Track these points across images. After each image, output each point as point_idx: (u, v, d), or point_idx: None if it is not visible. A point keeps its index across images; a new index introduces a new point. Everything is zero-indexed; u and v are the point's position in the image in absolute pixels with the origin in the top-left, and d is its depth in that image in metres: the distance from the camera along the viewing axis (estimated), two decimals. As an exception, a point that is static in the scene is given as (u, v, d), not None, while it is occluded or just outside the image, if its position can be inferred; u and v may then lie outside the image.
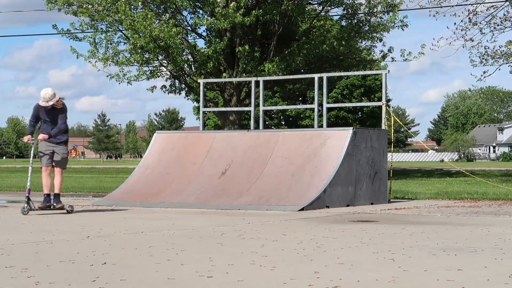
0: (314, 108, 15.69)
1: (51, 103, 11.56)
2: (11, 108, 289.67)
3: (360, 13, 28.87)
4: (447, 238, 8.12)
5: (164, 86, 29.80)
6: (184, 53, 27.53)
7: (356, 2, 28.84)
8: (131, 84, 27.90)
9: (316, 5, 30.53)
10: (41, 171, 11.92)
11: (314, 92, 16.52)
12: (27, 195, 11.41)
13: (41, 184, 12.06)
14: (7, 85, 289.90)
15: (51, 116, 11.73)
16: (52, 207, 11.77)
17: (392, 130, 15.61)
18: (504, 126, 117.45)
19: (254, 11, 26.65)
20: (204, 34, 29.54)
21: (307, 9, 29.04)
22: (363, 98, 53.24)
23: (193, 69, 28.58)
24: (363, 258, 6.51)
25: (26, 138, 11.85)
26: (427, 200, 15.50)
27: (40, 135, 11.64)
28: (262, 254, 6.75)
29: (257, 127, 16.68)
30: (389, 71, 15.27)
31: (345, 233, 8.71)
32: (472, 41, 26.13)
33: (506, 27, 26.13)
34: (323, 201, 12.76)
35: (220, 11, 25.47)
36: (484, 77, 27.40)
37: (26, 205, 11.34)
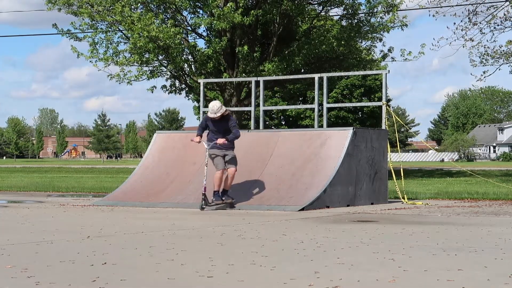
0: (314, 108, 15.68)
1: (218, 114, 12.60)
2: (27, 107, 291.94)
3: (360, 13, 28.88)
4: (447, 238, 8.12)
5: (165, 86, 29.79)
6: (184, 53, 27.53)
7: (356, 2, 28.84)
8: (131, 84, 27.93)
9: (316, 5, 30.53)
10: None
11: (314, 92, 16.51)
12: (203, 192, 12.52)
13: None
14: (25, 84, 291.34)
15: (218, 126, 12.76)
16: (221, 201, 12.80)
17: (396, 129, 15.60)
18: (504, 126, 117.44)
19: (253, 11, 26.64)
20: (204, 34, 29.56)
21: (307, 9, 29.03)
22: (363, 98, 53.22)
23: (193, 69, 28.59)
24: (363, 258, 6.51)
25: (197, 139, 12.95)
26: (428, 200, 15.50)
27: (219, 139, 12.67)
28: (262, 254, 6.75)
29: (257, 127, 16.69)
30: (389, 71, 15.27)
31: (345, 233, 8.71)
32: (472, 41, 26.12)
33: (506, 27, 26.12)
34: (323, 201, 12.76)
35: (218, 11, 25.47)
36: (484, 77, 27.40)
37: (202, 201, 12.51)
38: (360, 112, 53.96)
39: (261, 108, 16.11)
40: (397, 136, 16.14)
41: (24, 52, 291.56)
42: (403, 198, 14.88)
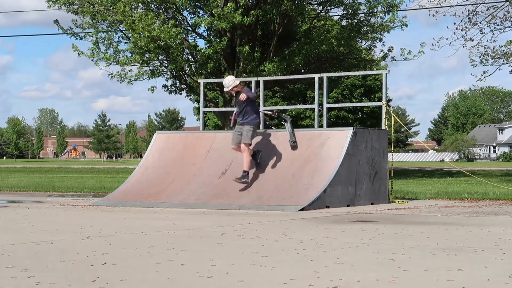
0: (314, 108, 15.68)
1: (225, 90, 13.35)
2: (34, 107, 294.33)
3: (360, 13, 28.86)
4: (447, 238, 8.12)
5: (165, 86, 29.83)
6: (184, 53, 27.53)
7: (356, 2, 28.82)
8: (132, 83, 27.93)
9: (316, 5, 30.52)
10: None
11: (314, 92, 16.51)
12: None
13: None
14: (39, 84, 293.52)
15: (238, 103, 13.33)
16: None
17: (393, 130, 15.60)
18: (504, 126, 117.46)
19: (253, 11, 26.64)
20: (204, 34, 29.56)
21: (307, 9, 29.03)
22: (363, 98, 53.24)
23: (194, 69, 28.59)
24: (363, 258, 6.51)
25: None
26: (428, 200, 15.50)
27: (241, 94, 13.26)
28: (262, 254, 6.75)
29: (257, 127, 16.67)
30: (389, 71, 15.27)
31: (345, 233, 8.71)
32: (472, 41, 26.13)
33: (506, 27, 26.12)
34: (323, 201, 12.76)
35: (218, 11, 25.49)
36: (484, 77, 27.41)
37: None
38: (360, 112, 53.98)
39: (261, 108, 16.11)
40: (392, 136, 16.13)
41: (41, 52, 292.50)
42: (389, 197, 14.73)
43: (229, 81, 13.38)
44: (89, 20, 27.53)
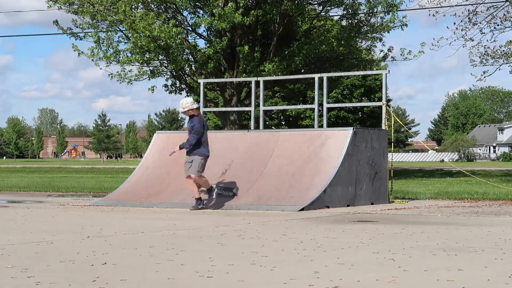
0: (314, 108, 15.68)
1: (181, 110, 12.77)
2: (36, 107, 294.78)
3: (360, 13, 28.85)
4: (447, 238, 8.13)
5: (165, 86, 29.85)
6: (184, 53, 27.53)
7: (356, 2, 28.81)
8: (131, 83, 27.92)
9: (316, 5, 30.52)
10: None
11: (314, 92, 16.51)
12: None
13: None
14: (41, 85, 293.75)
15: (189, 125, 12.80)
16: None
17: (393, 130, 15.60)
18: (504, 126, 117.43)
19: (253, 11, 26.65)
20: (204, 34, 29.56)
21: (307, 9, 29.02)
22: (363, 98, 53.23)
23: (194, 69, 28.59)
24: (364, 258, 6.51)
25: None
26: (428, 200, 15.50)
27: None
28: (262, 254, 6.75)
29: (257, 127, 16.69)
30: (389, 71, 15.27)
31: (345, 233, 8.71)
32: (472, 41, 26.13)
33: (506, 27, 26.12)
34: (323, 201, 12.76)
35: (219, 11, 25.50)
36: (484, 77, 27.42)
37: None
38: (360, 112, 53.99)
39: (261, 108, 16.12)
40: (392, 136, 16.15)
41: (41, 52, 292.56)
42: (389, 197, 14.73)
43: (187, 103, 12.64)
44: (89, 20, 27.55)
